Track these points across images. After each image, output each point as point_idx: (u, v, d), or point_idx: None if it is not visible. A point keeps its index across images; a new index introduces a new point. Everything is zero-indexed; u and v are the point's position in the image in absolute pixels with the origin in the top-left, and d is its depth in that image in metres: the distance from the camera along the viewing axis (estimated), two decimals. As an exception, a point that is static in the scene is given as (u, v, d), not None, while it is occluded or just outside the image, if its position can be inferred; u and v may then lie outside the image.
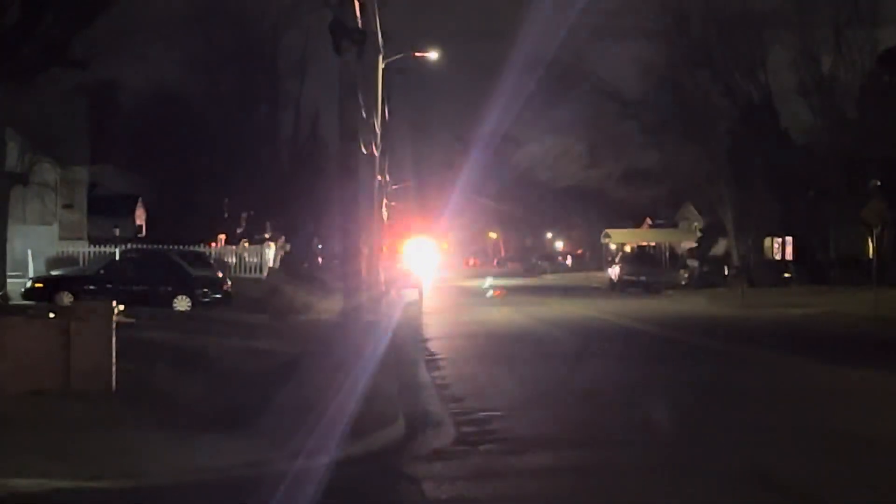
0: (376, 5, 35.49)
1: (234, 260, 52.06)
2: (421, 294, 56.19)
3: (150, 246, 47.88)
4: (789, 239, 72.50)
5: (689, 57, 68.22)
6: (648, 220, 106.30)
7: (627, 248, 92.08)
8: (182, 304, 35.55)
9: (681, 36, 67.90)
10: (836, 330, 33.23)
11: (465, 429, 14.73)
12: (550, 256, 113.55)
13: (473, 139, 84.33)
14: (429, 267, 75.80)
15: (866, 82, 62.10)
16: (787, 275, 63.88)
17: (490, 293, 54.01)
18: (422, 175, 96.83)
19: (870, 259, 40.85)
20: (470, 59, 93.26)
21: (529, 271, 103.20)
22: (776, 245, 75.14)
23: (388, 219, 70.72)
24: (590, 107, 73.62)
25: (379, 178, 50.27)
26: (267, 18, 67.27)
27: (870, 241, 41.33)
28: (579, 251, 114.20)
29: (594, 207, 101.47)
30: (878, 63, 61.84)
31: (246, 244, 61.08)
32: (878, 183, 38.82)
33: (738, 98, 67.74)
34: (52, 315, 17.98)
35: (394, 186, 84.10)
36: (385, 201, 64.32)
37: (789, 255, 72.33)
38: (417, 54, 52.70)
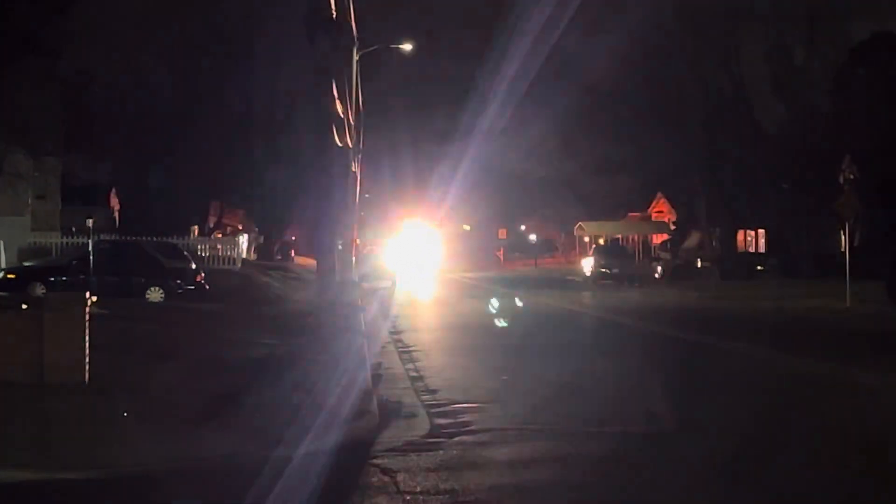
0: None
1: (207, 251, 51.95)
2: (394, 286, 56.19)
3: (123, 237, 47.73)
4: (762, 231, 72.83)
5: (663, 49, 68.34)
6: (622, 213, 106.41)
7: (601, 241, 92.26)
8: (155, 295, 35.48)
9: (655, 28, 67.98)
10: (807, 323, 33.33)
11: (439, 420, 14.74)
12: (524, 248, 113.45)
13: (450, 132, 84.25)
14: (415, 258, 75.88)
15: (839, 75, 62.38)
16: (759, 267, 64.11)
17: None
18: (401, 168, 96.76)
19: (842, 252, 41.05)
20: (446, 50, 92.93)
21: (503, 263, 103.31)
22: (749, 238, 75.45)
23: (363, 212, 70.58)
24: (564, 98, 73.59)
25: (354, 170, 50.17)
26: (242, 6, 67.06)
27: (842, 233, 41.54)
28: (556, 249, 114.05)
29: (568, 199, 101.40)
30: (850, 56, 62.11)
31: (219, 235, 60.99)
32: (851, 176, 38.90)
33: (712, 90, 67.92)
34: (24, 306, 17.94)
35: (391, 179, 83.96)
36: (358, 192, 64.22)
37: (762, 248, 72.65)
38: (392, 46, 52.68)
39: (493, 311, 38.22)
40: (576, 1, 55.33)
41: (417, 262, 77.79)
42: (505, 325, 32.36)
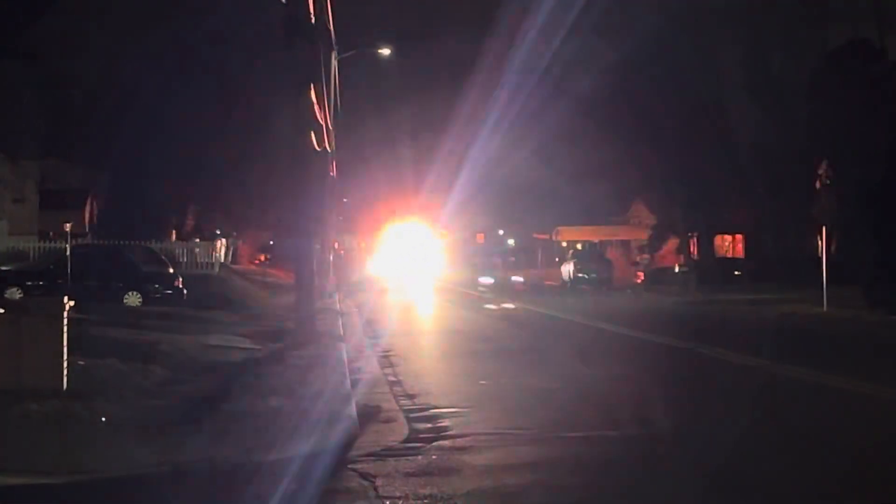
0: (329, 0, 35.49)
1: (184, 255, 51.86)
2: (374, 290, 56.21)
3: (101, 241, 47.62)
4: (739, 237, 72.93)
5: (640, 54, 68.33)
6: (600, 218, 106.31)
7: (578, 246, 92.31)
8: (133, 299, 35.43)
9: (632, 35, 68.00)
10: (785, 327, 33.43)
11: (418, 425, 14.74)
12: (503, 254, 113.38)
13: (433, 136, 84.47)
14: (395, 263, 75.92)
15: (815, 81, 62.53)
16: (736, 272, 64.21)
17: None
18: (384, 173, 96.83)
19: (820, 257, 41.18)
20: (430, 57, 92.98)
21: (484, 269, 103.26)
22: (726, 243, 75.54)
23: (341, 216, 70.60)
24: (542, 103, 73.68)
25: (332, 173, 50.18)
26: (219, 10, 66.94)
27: (819, 238, 41.68)
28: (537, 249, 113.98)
29: (545, 204, 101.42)
30: (827, 62, 62.26)
31: (197, 240, 60.85)
32: (828, 181, 39.07)
33: (688, 95, 67.97)
34: (1, 311, 17.86)
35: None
36: (334, 197, 64.23)
37: (739, 253, 72.76)
38: (370, 50, 52.74)
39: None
40: (557, 9, 55.49)
41: (397, 267, 77.84)
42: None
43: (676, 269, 66.48)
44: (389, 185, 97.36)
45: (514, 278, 65.56)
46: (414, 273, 79.54)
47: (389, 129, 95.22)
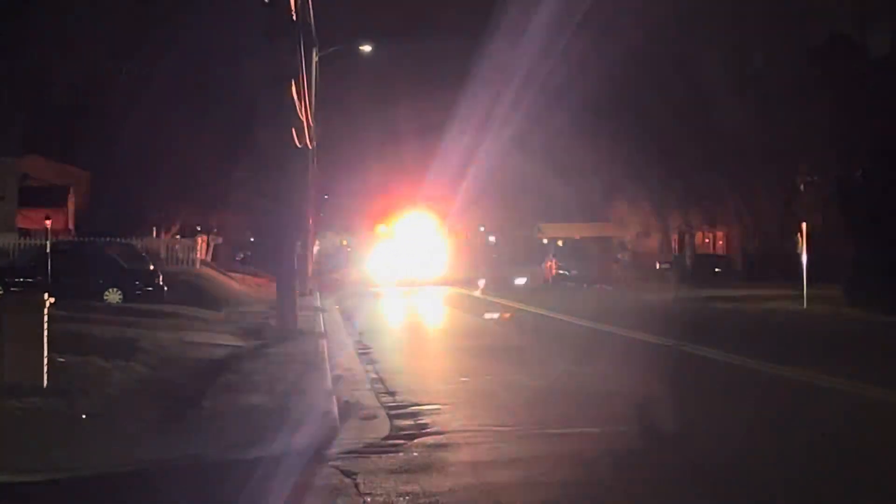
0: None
1: (165, 252, 51.74)
2: (359, 287, 56.16)
3: (81, 238, 47.44)
4: (721, 234, 73.10)
5: (623, 52, 68.42)
6: (582, 215, 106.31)
7: (560, 243, 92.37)
8: (113, 296, 35.32)
9: (615, 31, 68.07)
10: (766, 324, 33.54)
11: (399, 422, 14.73)
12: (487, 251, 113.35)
13: (417, 133, 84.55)
14: (394, 261, 75.85)
15: (797, 78, 62.66)
16: (717, 269, 64.36)
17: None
18: (370, 170, 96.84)
19: (801, 254, 41.29)
20: (416, 52, 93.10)
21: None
22: (707, 240, 75.73)
23: (323, 213, 70.51)
24: (525, 101, 73.72)
25: (313, 169, 50.10)
26: (199, 6, 66.75)
27: (800, 236, 41.78)
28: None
29: (527, 201, 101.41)
30: (808, 58, 62.40)
31: (178, 237, 60.72)
32: (809, 178, 39.19)
33: (670, 93, 68.04)
34: (-19, 308, 17.78)
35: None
36: (316, 193, 64.18)
37: (720, 250, 72.94)
38: (352, 46, 52.71)
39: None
40: (542, 7, 55.59)
41: (383, 265, 77.73)
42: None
43: (658, 267, 66.62)
44: (376, 183, 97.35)
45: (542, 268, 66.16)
46: (401, 271, 79.46)
47: (379, 127, 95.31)
